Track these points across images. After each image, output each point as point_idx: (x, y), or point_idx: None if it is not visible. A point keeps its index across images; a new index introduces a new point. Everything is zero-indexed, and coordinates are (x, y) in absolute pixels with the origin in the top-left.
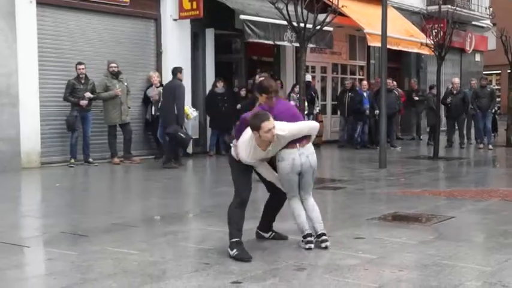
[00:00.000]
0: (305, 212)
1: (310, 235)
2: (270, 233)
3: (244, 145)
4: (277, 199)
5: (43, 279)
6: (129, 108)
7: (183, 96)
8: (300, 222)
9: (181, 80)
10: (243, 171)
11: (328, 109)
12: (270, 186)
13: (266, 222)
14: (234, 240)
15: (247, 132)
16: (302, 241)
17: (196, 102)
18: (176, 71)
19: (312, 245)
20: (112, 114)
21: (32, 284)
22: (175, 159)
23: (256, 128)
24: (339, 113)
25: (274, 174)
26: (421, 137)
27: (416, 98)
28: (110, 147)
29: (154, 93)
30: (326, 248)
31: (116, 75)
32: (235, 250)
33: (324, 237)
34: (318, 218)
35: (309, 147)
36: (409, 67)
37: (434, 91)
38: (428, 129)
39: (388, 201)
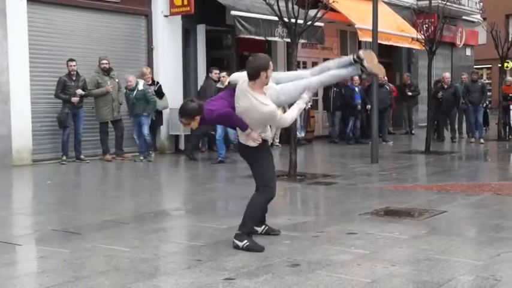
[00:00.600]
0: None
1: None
2: (262, 227)
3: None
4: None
5: (35, 277)
6: (121, 104)
7: (213, 95)
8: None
9: (214, 80)
10: (267, 162)
11: (320, 104)
12: None
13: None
14: (244, 232)
15: (242, 99)
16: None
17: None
18: (208, 71)
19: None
20: (103, 111)
21: (24, 282)
22: (191, 153)
23: (265, 68)
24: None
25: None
26: (413, 131)
27: (410, 94)
28: (102, 144)
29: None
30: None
31: (107, 71)
32: (245, 241)
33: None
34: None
35: None
36: (400, 62)
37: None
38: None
39: (380, 196)
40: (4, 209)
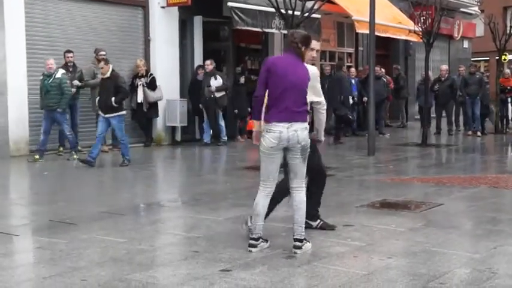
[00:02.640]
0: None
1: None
2: (317, 221)
3: None
4: (316, 181)
5: (32, 268)
6: None
7: (346, 86)
8: (254, 223)
9: (345, 72)
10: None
11: None
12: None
13: (309, 209)
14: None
15: None
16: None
17: (185, 89)
18: (340, 64)
19: (254, 249)
20: None
21: (21, 272)
22: (337, 138)
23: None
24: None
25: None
26: (407, 123)
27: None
28: None
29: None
30: (295, 253)
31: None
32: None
33: (296, 243)
34: (299, 220)
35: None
36: (397, 54)
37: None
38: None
39: (377, 188)
40: (1, 199)
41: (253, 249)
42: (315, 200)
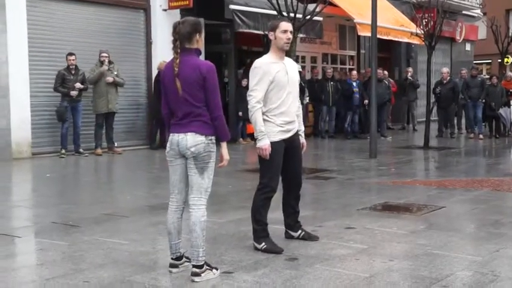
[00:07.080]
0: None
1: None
2: (299, 231)
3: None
4: (291, 192)
5: (34, 270)
6: (119, 87)
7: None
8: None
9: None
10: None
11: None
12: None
13: (289, 221)
14: (256, 235)
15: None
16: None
17: None
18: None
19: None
20: (98, 102)
21: (23, 274)
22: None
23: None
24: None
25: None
26: (416, 127)
27: (411, 79)
28: (95, 136)
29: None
30: (193, 281)
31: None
32: (263, 244)
33: (194, 270)
34: (194, 243)
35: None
36: (399, 57)
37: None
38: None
39: (379, 191)
40: (4, 201)
41: (173, 270)
42: (292, 211)
